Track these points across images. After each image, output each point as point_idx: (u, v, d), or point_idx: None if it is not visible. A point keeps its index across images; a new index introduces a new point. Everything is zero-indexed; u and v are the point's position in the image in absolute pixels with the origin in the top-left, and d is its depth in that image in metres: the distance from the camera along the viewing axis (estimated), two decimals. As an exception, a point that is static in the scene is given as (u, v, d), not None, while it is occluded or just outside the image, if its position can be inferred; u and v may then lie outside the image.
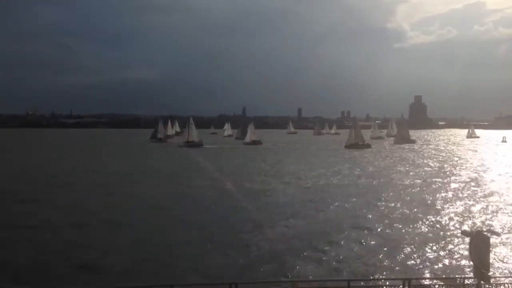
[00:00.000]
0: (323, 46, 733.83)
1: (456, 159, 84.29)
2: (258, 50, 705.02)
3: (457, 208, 35.13)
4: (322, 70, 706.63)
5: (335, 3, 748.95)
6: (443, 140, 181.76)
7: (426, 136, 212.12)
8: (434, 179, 52.70)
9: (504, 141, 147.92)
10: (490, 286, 12.66)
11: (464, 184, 48.97)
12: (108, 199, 38.66)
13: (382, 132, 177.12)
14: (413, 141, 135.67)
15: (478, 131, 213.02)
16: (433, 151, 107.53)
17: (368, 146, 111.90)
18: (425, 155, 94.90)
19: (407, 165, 70.45)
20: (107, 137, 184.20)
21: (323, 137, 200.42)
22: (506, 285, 13.37)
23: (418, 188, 45.99)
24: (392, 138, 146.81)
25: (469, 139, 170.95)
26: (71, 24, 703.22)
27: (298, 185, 48.17)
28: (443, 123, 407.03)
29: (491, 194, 42.21)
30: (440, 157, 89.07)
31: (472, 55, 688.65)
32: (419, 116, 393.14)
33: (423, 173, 59.77)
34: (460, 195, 41.67)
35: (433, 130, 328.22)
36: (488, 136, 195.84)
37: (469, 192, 43.51)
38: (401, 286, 12.91)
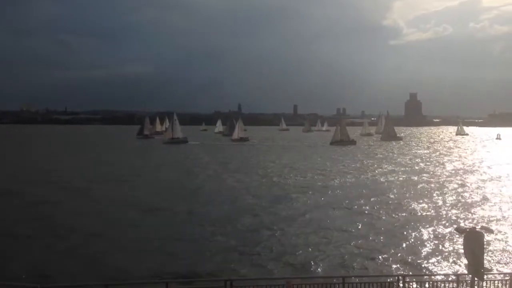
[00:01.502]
0: (320, 43, 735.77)
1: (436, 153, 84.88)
2: (255, 47, 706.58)
3: (449, 205, 35.29)
4: (319, 67, 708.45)
5: (331, 0, 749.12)
6: (433, 137, 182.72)
7: (409, 133, 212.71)
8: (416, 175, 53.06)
9: (498, 138, 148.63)
10: (484, 283, 12.72)
11: (448, 180, 49.28)
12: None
13: (372, 129, 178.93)
14: (400, 138, 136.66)
15: (472, 129, 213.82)
16: (413, 147, 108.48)
17: (353, 142, 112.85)
18: (405, 151, 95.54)
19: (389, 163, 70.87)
20: (95, 134, 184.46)
21: (313, 134, 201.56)
22: (499, 281, 13.44)
23: (410, 185, 46.22)
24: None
25: (458, 136, 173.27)
26: (68, 19, 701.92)
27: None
28: (437, 120, 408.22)
29: (481, 190, 42.49)
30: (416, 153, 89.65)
31: (468, 52, 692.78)
32: (414, 113, 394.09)
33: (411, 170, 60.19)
34: (448, 191, 41.90)
35: (428, 127, 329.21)
36: (481, 134, 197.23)
37: (456, 188, 43.76)
38: (396, 283, 12.97)
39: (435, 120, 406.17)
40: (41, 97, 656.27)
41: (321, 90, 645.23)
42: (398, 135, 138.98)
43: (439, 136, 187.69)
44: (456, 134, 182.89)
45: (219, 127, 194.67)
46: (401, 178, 51.37)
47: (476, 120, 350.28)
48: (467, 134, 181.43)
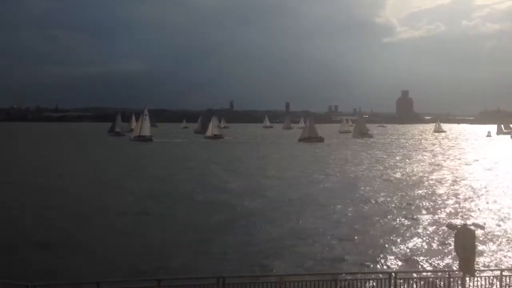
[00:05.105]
0: (313, 41, 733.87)
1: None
2: (249, 45, 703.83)
3: (440, 202, 35.49)
4: (312, 65, 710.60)
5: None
6: (409, 134, 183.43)
7: (382, 131, 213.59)
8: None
9: (488, 135, 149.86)
10: (474, 279, 12.78)
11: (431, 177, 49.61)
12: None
13: (350, 126, 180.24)
14: (370, 135, 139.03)
15: (463, 126, 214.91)
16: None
17: (321, 140, 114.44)
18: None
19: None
20: (75, 131, 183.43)
21: (291, 131, 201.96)
22: (490, 277, 13.51)
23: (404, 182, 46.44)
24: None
25: (436, 133, 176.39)
26: (61, 15, 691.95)
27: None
28: (429, 117, 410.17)
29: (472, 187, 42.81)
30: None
31: (461, 50, 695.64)
32: (406, 111, 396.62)
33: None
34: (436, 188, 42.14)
35: (418, 125, 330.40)
36: (469, 131, 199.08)
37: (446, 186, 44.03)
38: (387, 279, 12.99)
39: (426, 117, 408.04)
40: (32, 94, 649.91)
41: (314, 87, 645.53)
42: (369, 132, 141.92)
43: (419, 134, 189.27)
44: (434, 131, 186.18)
45: (199, 124, 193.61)
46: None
47: (467, 118, 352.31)
48: (444, 131, 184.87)
